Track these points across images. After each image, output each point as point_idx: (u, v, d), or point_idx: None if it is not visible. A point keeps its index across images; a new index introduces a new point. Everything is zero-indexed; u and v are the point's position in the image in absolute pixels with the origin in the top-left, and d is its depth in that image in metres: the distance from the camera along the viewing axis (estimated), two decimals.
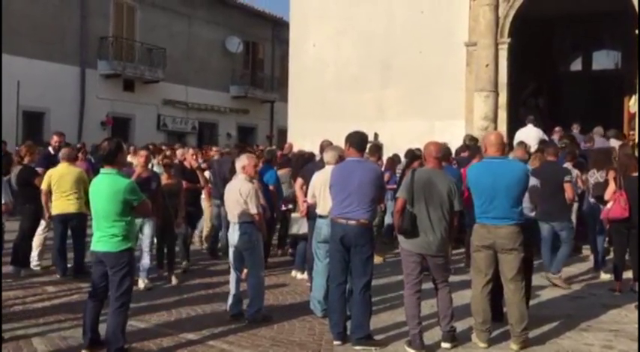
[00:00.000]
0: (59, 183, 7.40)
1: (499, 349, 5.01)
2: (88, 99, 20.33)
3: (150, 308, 6.10)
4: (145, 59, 21.87)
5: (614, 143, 10.92)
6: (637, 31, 11.99)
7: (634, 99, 13.22)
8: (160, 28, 22.43)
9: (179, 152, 10.56)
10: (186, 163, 8.82)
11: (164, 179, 7.51)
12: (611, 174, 7.36)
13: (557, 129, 12.18)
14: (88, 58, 20.30)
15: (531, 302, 5.87)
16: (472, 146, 10.25)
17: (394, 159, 10.58)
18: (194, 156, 8.98)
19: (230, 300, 5.85)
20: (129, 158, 9.88)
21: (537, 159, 7.97)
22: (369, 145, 6.77)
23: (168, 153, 11.03)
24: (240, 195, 5.72)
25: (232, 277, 5.89)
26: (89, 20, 20.23)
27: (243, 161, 5.88)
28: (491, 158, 5.15)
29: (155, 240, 7.60)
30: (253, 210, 5.72)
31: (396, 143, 12.46)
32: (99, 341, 4.78)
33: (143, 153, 7.53)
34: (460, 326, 5.34)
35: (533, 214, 6.32)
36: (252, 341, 5.15)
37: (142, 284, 6.90)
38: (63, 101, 19.32)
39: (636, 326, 5.67)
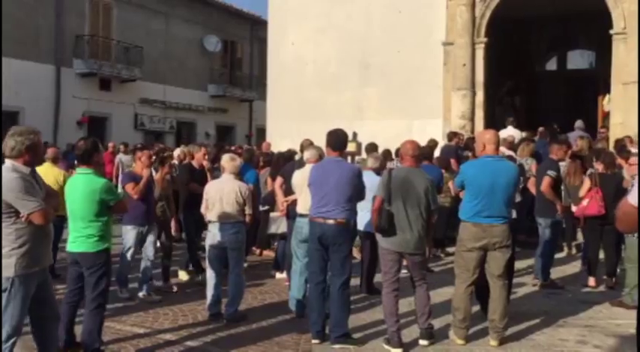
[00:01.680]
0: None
1: (476, 345, 5.06)
2: (64, 98, 20.05)
3: (126, 308, 6.04)
4: (122, 58, 21.63)
5: (580, 133, 11.41)
6: (610, 32, 12.21)
7: (607, 98, 13.46)
8: (137, 26, 22.21)
9: (177, 152, 10.03)
10: (193, 162, 8.06)
11: (159, 180, 7.03)
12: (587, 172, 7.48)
13: (540, 129, 12.39)
14: (64, 57, 20.01)
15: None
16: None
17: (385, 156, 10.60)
18: (205, 155, 7.99)
19: (209, 300, 5.81)
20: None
21: (526, 148, 8.13)
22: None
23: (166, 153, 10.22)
24: (239, 194, 5.76)
25: (211, 277, 5.85)
26: (64, 18, 19.94)
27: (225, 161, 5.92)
28: (488, 157, 5.13)
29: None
30: (249, 210, 5.82)
31: (375, 142, 12.50)
32: (74, 342, 4.72)
33: (146, 153, 7.13)
34: (437, 323, 5.39)
35: (514, 214, 6.30)
36: (230, 341, 5.14)
37: (140, 295, 6.45)
38: (38, 100, 19.02)
39: (610, 321, 5.79)
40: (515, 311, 5.80)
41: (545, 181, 7.11)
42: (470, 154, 9.69)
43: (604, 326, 5.64)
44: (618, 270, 7.25)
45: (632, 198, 2.42)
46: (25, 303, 3.68)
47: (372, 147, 9.86)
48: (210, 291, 5.83)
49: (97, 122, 20.88)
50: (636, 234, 5.94)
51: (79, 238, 4.54)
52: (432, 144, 10.87)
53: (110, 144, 15.54)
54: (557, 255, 8.20)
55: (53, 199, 3.92)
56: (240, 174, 6.52)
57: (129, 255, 6.43)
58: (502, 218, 5.02)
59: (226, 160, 5.96)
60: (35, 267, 3.70)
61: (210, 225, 5.87)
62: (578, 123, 12.61)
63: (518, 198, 6.51)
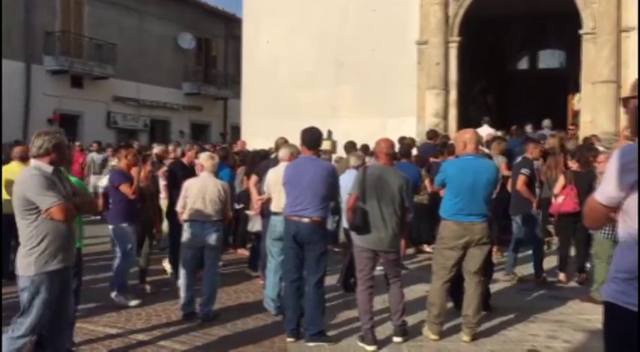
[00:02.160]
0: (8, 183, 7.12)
1: (449, 341, 5.10)
2: (34, 95, 19.69)
3: (98, 309, 5.96)
4: (94, 55, 21.33)
5: (550, 132, 11.67)
6: (580, 32, 12.44)
7: (577, 97, 13.71)
8: (110, 23, 21.91)
9: (156, 150, 9.91)
10: (184, 160, 7.93)
11: (142, 178, 6.81)
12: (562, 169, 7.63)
13: (513, 128, 12.58)
14: (34, 54, 19.65)
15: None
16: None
17: (365, 150, 10.60)
18: (197, 154, 7.97)
19: (183, 300, 5.76)
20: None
21: (497, 146, 8.23)
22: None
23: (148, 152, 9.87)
24: (222, 193, 5.73)
25: (185, 277, 5.79)
26: (35, 14, 19.58)
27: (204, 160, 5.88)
28: (469, 155, 5.17)
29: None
30: (229, 208, 5.81)
31: (352, 140, 12.54)
32: (43, 343, 4.64)
33: (133, 151, 6.92)
34: (411, 320, 5.43)
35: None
36: (204, 340, 5.11)
37: (133, 302, 6.19)
38: (7, 97, 18.58)
39: (579, 316, 5.90)
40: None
41: (521, 179, 7.23)
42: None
43: (574, 321, 5.74)
44: (588, 266, 7.39)
45: (598, 195, 2.48)
46: (46, 304, 3.64)
47: (351, 146, 9.88)
48: (184, 291, 5.77)
49: (68, 120, 20.54)
50: (603, 231, 6.06)
51: None
52: (410, 142, 10.95)
53: (77, 144, 15.32)
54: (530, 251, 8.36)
55: (78, 198, 3.89)
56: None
57: (132, 253, 6.32)
58: (482, 216, 5.07)
59: (205, 159, 5.92)
60: (56, 266, 3.66)
61: (188, 224, 5.76)
62: (546, 122, 13.00)
63: (492, 196, 6.59)
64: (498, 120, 15.03)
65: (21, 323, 3.59)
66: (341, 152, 11.23)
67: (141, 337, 5.17)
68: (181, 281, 5.84)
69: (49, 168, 3.68)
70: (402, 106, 13.52)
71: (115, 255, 6.27)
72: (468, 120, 13.91)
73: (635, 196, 2.34)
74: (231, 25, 26.53)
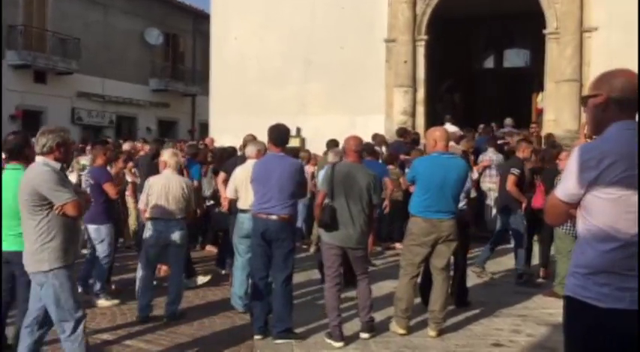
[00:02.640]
0: None
1: (415, 337, 5.16)
2: None
3: None
4: (58, 50, 20.89)
5: (508, 130, 12.20)
6: (544, 31, 12.67)
7: (541, 95, 13.98)
8: (74, 17, 21.48)
9: (126, 146, 9.77)
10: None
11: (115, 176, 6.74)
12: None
13: (481, 126, 12.78)
14: None
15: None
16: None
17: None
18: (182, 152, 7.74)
19: (143, 302, 5.60)
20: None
21: (466, 144, 8.46)
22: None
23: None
24: (185, 190, 5.67)
25: (143, 278, 5.65)
26: None
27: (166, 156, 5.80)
28: (439, 153, 5.21)
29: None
30: (193, 206, 5.76)
31: (318, 137, 12.55)
32: (6, 345, 4.54)
33: (110, 148, 6.77)
34: (379, 316, 5.47)
35: (463, 203, 6.41)
36: (171, 339, 5.07)
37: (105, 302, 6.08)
38: None
39: (542, 310, 6.02)
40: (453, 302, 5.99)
41: (511, 179, 7.31)
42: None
43: (537, 315, 5.86)
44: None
45: (558, 192, 2.53)
46: (73, 290, 3.75)
47: (333, 144, 9.82)
48: (144, 293, 5.62)
49: (31, 116, 20.09)
50: (564, 227, 6.20)
51: (10, 236, 4.36)
52: (381, 139, 11.04)
53: (33, 139, 14.98)
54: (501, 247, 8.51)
55: (80, 195, 3.92)
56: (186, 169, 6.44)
57: (112, 253, 6.25)
58: (450, 213, 5.13)
59: (170, 156, 5.85)
60: (68, 260, 3.74)
61: (151, 222, 5.69)
62: (508, 120, 13.33)
63: (473, 194, 6.69)
64: (465, 118, 15.23)
65: (66, 324, 3.68)
66: (316, 150, 11.20)
67: (105, 336, 5.10)
68: (139, 284, 5.66)
69: (57, 165, 3.76)
70: (371, 104, 13.59)
71: (96, 256, 6.14)
72: (435, 117, 14.05)
73: (594, 193, 2.39)
74: (200, 20, 26.27)
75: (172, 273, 5.73)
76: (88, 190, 5.95)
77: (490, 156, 10.10)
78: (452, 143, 8.00)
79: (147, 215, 5.73)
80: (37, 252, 3.65)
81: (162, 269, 6.66)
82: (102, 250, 6.12)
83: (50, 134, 3.80)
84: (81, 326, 3.74)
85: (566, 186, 2.47)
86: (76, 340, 3.70)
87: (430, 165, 5.19)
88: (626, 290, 2.36)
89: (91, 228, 6.13)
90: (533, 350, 4.93)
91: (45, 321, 3.91)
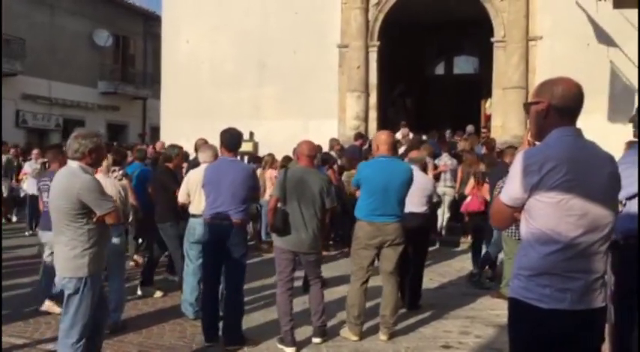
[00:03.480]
0: None
1: (367, 341, 5.19)
2: None
3: (5, 318, 5.61)
4: (2, 50, 20.13)
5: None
6: (491, 39, 13.01)
7: (489, 101, 14.33)
8: (18, 17, 20.78)
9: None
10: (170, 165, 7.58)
11: None
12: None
13: (433, 132, 13.00)
14: None
15: None
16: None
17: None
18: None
19: None
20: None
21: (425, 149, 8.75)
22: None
23: None
24: (121, 193, 5.54)
25: None
26: None
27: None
28: (382, 157, 5.25)
29: None
30: (129, 210, 5.62)
31: (271, 141, 12.54)
32: None
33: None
34: (331, 321, 5.48)
35: (424, 209, 6.50)
36: (118, 348, 4.94)
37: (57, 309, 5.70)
38: None
39: (490, 312, 6.16)
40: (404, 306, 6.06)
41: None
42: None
43: (485, 317, 5.99)
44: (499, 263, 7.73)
45: (503, 196, 2.59)
46: (94, 303, 3.76)
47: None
48: None
49: None
50: (508, 230, 6.36)
51: None
52: (335, 143, 11.11)
53: None
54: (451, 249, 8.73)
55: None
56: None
57: None
58: (395, 216, 5.17)
59: None
60: (101, 268, 3.85)
61: None
62: (469, 128, 13.57)
63: (435, 198, 6.80)
64: (417, 124, 15.48)
65: (72, 328, 3.68)
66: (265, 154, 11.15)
67: (50, 346, 4.92)
68: None
69: (90, 170, 3.76)
70: (324, 108, 13.65)
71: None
72: (387, 122, 14.23)
73: (536, 197, 2.46)
74: (150, 22, 25.86)
75: (112, 281, 5.51)
76: (45, 196, 5.76)
77: (445, 161, 10.33)
78: (422, 153, 8.17)
79: None
80: (77, 258, 3.66)
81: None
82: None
83: (83, 140, 3.73)
84: (82, 342, 3.73)
85: (510, 190, 2.54)
86: (78, 349, 3.70)
87: (374, 169, 5.23)
88: (567, 291, 2.44)
89: (50, 234, 5.89)
90: (481, 351, 5.03)
91: (95, 330, 3.90)
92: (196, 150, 7.47)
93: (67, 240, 3.67)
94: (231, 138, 5.25)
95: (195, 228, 5.75)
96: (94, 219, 3.66)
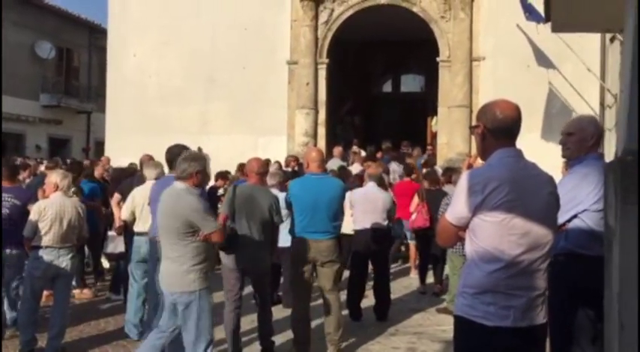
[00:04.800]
0: None
1: None
2: None
3: None
4: None
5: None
6: (437, 59, 13.35)
7: (435, 119, 14.66)
8: None
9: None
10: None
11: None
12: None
13: (384, 146, 13.20)
14: None
15: (345, 310, 6.21)
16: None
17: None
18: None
19: (25, 337, 5.10)
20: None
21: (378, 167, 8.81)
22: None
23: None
24: (80, 213, 5.34)
25: (29, 310, 5.18)
26: None
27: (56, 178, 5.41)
28: (312, 174, 5.24)
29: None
30: (85, 232, 5.49)
31: (220, 157, 12.41)
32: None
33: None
34: (279, 339, 5.43)
35: (385, 223, 6.69)
36: None
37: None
38: None
39: (437, 327, 6.25)
40: (350, 322, 6.09)
41: None
42: None
43: (431, 332, 6.07)
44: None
45: (448, 215, 2.65)
46: (211, 313, 4.02)
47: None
48: (28, 327, 5.14)
49: None
50: (454, 247, 6.48)
51: None
52: (292, 160, 11.09)
53: None
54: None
55: None
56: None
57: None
58: (327, 233, 5.14)
59: (61, 178, 5.42)
60: (209, 283, 4.05)
61: (42, 251, 5.13)
62: (405, 143, 13.91)
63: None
64: (365, 141, 15.64)
65: (197, 338, 3.91)
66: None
67: None
68: (21, 318, 5.19)
69: (195, 191, 4.00)
70: (273, 125, 13.65)
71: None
72: (335, 139, 14.33)
73: (480, 216, 2.53)
74: (96, 35, 25.30)
75: (57, 305, 5.26)
76: (7, 212, 5.50)
77: (394, 167, 10.89)
78: (371, 169, 8.25)
79: (34, 243, 5.17)
80: (186, 274, 3.90)
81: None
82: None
83: (192, 161, 4.02)
84: (211, 347, 3.99)
85: (456, 209, 2.61)
86: None
87: (303, 187, 5.22)
88: (510, 309, 2.51)
89: (15, 253, 5.57)
90: None
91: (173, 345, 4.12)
92: (141, 166, 7.32)
93: (175, 257, 3.93)
94: (174, 155, 5.13)
95: (141, 247, 5.63)
96: (200, 238, 3.89)
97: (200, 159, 4.14)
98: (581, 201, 3.20)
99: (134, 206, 5.79)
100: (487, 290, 2.52)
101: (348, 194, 6.03)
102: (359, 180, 8.19)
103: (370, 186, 6.87)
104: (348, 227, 6.40)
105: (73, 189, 6.02)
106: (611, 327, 2.32)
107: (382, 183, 7.28)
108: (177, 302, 3.96)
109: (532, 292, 2.54)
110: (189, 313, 3.92)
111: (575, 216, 3.20)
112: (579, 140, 3.42)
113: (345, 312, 6.26)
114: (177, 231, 3.88)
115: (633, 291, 2.13)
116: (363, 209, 6.64)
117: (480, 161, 2.98)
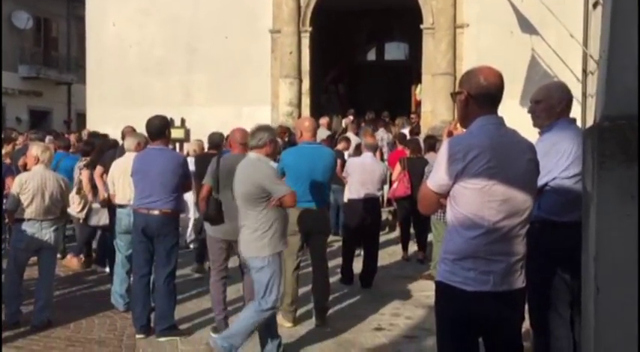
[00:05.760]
0: None
1: (302, 326, 5.24)
2: None
3: None
4: None
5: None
6: (421, 26, 13.26)
7: (419, 88, 14.64)
8: None
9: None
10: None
11: None
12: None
13: (370, 116, 13.22)
14: None
15: (336, 276, 6.34)
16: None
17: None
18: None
19: (11, 309, 5.13)
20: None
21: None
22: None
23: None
24: (62, 187, 5.31)
25: (12, 283, 5.20)
26: None
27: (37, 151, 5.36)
28: (306, 143, 5.27)
29: None
30: (68, 204, 5.49)
31: (204, 128, 12.31)
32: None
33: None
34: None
35: (380, 193, 6.83)
36: (44, 344, 4.77)
37: None
38: None
39: (420, 293, 6.34)
40: (338, 290, 6.16)
41: None
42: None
43: (415, 298, 6.17)
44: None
45: (429, 182, 2.67)
46: (281, 274, 4.27)
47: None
48: (12, 300, 5.15)
49: None
50: (437, 214, 6.54)
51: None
52: (282, 130, 11.02)
53: None
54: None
55: None
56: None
57: None
58: (322, 202, 5.23)
59: (41, 151, 5.36)
60: (282, 247, 4.31)
61: (25, 224, 5.15)
62: (385, 113, 13.96)
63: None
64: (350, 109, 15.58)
65: (267, 300, 4.14)
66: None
67: None
68: (9, 288, 5.18)
69: (267, 159, 4.28)
70: (257, 94, 13.54)
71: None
72: (320, 108, 14.27)
73: (461, 183, 2.54)
74: (74, 4, 24.65)
75: (42, 278, 5.28)
76: None
77: (381, 135, 11.10)
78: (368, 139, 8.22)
79: (17, 216, 5.17)
80: (259, 239, 4.14)
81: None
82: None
83: (265, 132, 4.29)
84: (270, 312, 4.22)
85: (437, 177, 2.62)
86: (263, 315, 4.17)
87: (297, 156, 5.27)
88: (490, 274, 2.55)
89: None
90: (412, 332, 5.18)
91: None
92: (123, 138, 7.25)
93: (249, 224, 4.18)
94: (154, 127, 5.09)
95: (122, 219, 5.63)
96: (272, 203, 4.10)
97: (270, 129, 4.48)
98: (550, 169, 3.20)
99: (114, 177, 5.76)
100: (467, 256, 2.55)
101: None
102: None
103: (367, 157, 6.92)
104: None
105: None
106: (587, 291, 2.37)
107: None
108: (251, 265, 4.23)
109: (512, 257, 2.58)
110: (261, 275, 4.16)
111: (546, 185, 3.22)
112: (547, 107, 3.39)
113: (335, 278, 6.37)
114: (252, 198, 4.11)
115: (609, 255, 2.17)
116: (361, 179, 6.72)
117: (459, 128, 2.98)
